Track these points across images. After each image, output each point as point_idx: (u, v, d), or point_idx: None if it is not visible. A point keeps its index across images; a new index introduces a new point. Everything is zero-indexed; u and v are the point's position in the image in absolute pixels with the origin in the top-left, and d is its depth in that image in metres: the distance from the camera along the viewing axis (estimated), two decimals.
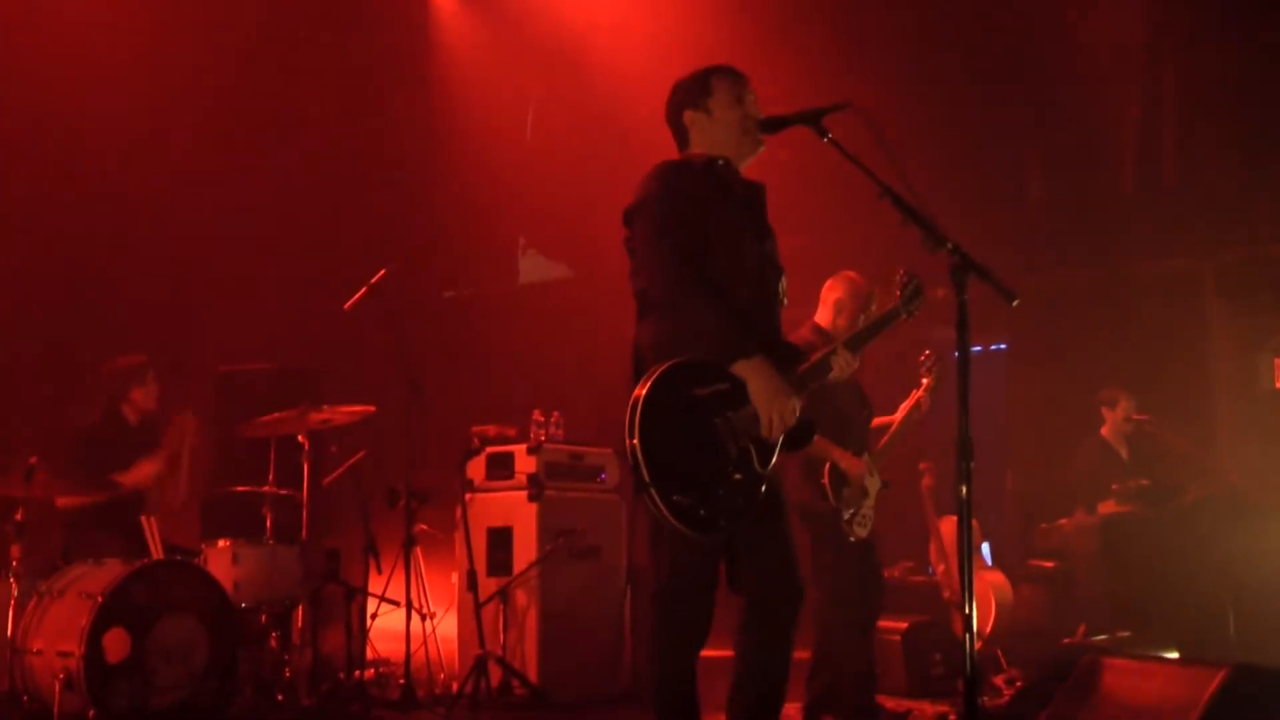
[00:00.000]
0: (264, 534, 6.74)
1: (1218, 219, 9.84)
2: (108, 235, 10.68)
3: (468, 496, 7.28)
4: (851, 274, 6.17)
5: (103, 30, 9.95)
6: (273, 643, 6.54)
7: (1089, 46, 9.99)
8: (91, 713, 5.49)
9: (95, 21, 9.93)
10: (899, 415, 6.32)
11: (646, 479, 3.67)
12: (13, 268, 10.11)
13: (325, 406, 6.88)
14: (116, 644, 5.63)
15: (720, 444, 3.81)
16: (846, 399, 5.97)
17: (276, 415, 6.82)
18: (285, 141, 11.06)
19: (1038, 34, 10.12)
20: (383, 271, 7.08)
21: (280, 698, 6.42)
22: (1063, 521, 8.62)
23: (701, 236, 3.97)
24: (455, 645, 7.38)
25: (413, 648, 6.85)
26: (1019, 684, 7.11)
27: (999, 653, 7.74)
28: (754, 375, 3.87)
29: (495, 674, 6.74)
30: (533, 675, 6.86)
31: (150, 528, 6.50)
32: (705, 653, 4.03)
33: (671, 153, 4.29)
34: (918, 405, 6.30)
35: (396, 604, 7.10)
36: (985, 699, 6.80)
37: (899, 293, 4.62)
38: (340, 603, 7.15)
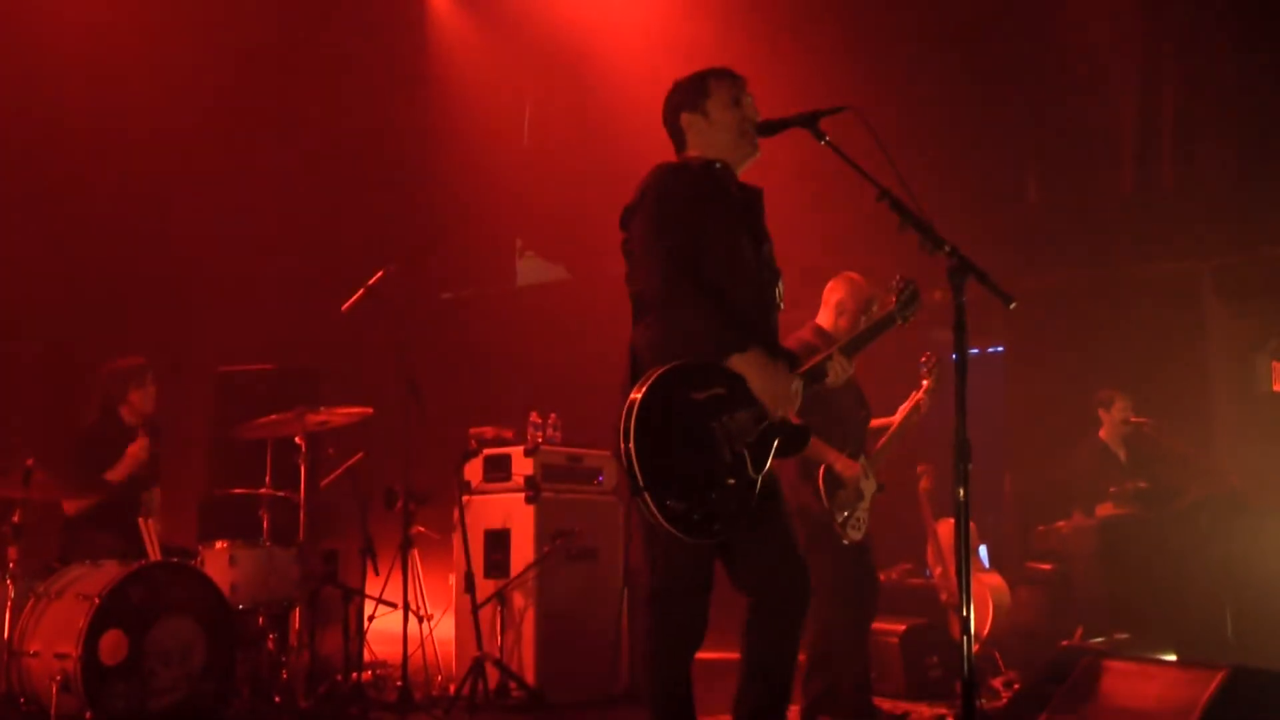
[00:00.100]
0: (261, 536, 6.73)
1: (1215, 220, 9.84)
2: (106, 235, 10.68)
3: (465, 498, 7.28)
4: (853, 275, 6.16)
5: (101, 31, 9.96)
6: (270, 644, 6.53)
7: (1087, 47, 9.99)
8: (88, 714, 5.48)
9: (94, 22, 9.94)
10: (898, 417, 6.31)
11: (641, 483, 3.68)
12: (11, 268, 10.10)
13: (323, 408, 6.88)
14: (114, 646, 5.62)
15: (715, 448, 3.81)
16: (844, 401, 5.96)
17: (274, 417, 6.81)
18: (284, 142, 11.06)
19: (1036, 35, 10.12)
20: (381, 273, 7.08)
21: (277, 699, 6.42)
22: (1060, 524, 8.62)
23: (698, 239, 3.97)
24: (453, 647, 7.37)
25: (410, 649, 6.84)
26: (1017, 686, 7.10)
27: (997, 655, 7.74)
28: (751, 366, 3.89)
29: (493, 676, 6.74)
30: (530, 677, 6.86)
31: (148, 529, 6.50)
32: (701, 655, 4.03)
33: (669, 155, 4.29)
34: (917, 407, 6.30)
35: (394, 606, 7.09)
36: (983, 701, 6.79)
37: (895, 298, 4.63)
38: (338, 604, 7.15)
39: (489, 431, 7.47)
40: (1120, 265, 10.38)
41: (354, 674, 6.90)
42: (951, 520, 8.00)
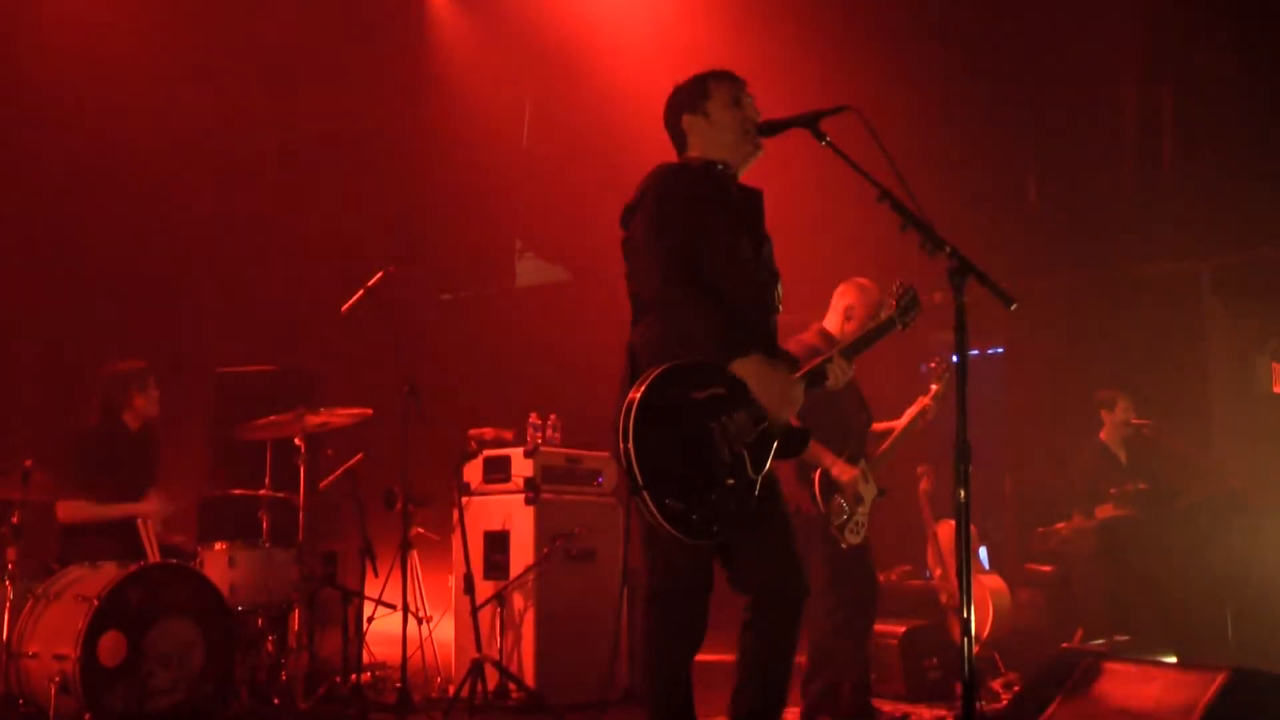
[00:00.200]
0: (260, 537, 6.73)
1: (1215, 221, 9.84)
2: (106, 236, 10.68)
3: (464, 500, 7.26)
4: (863, 280, 6.15)
5: (101, 31, 9.95)
6: (269, 646, 6.53)
7: (1087, 48, 9.99)
8: (87, 716, 5.48)
9: (93, 22, 9.94)
10: (902, 421, 6.30)
11: (640, 483, 3.67)
12: (10, 269, 10.10)
13: (322, 409, 6.88)
14: (112, 647, 5.62)
15: (715, 448, 3.81)
16: (845, 404, 5.96)
17: (273, 418, 6.81)
18: (283, 143, 11.06)
19: (1036, 36, 10.12)
20: (380, 274, 7.07)
21: (276, 701, 6.41)
22: (1060, 525, 8.61)
23: (698, 240, 3.97)
24: (452, 649, 7.37)
25: (409, 651, 6.83)
26: (1017, 688, 7.09)
27: (996, 657, 7.73)
28: (752, 371, 3.88)
29: (492, 677, 6.72)
30: (529, 679, 6.85)
31: (146, 531, 6.49)
32: (701, 657, 4.02)
33: (669, 155, 4.29)
34: (923, 412, 6.28)
35: (393, 607, 7.08)
36: (983, 703, 6.78)
37: (895, 303, 4.63)
38: (337, 606, 7.15)
39: (488, 433, 7.46)
40: (1120, 266, 10.38)
41: (353, 675, 6.90)
42: (951, 522, 7.99)
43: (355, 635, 7.12)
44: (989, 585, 8.15)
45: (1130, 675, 4.82)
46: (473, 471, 7.40)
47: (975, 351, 11.11)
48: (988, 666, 7.62)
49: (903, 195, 3.71)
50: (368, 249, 10.26)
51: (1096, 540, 8.22)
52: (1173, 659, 5.81)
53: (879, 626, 6.62)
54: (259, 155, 10.98)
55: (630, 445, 3.67)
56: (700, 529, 3.75)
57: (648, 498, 3.66)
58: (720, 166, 4.18)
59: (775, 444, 3.94)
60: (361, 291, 7.05)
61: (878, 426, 6.33)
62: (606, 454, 7.32)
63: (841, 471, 5.84)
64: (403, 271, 7.25)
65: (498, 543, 7.21)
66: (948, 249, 3.61)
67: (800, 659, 5.29)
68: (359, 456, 7.58)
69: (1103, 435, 8.71)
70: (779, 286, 4.22)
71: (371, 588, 7.36)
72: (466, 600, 6.86)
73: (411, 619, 6.95)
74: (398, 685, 6.73)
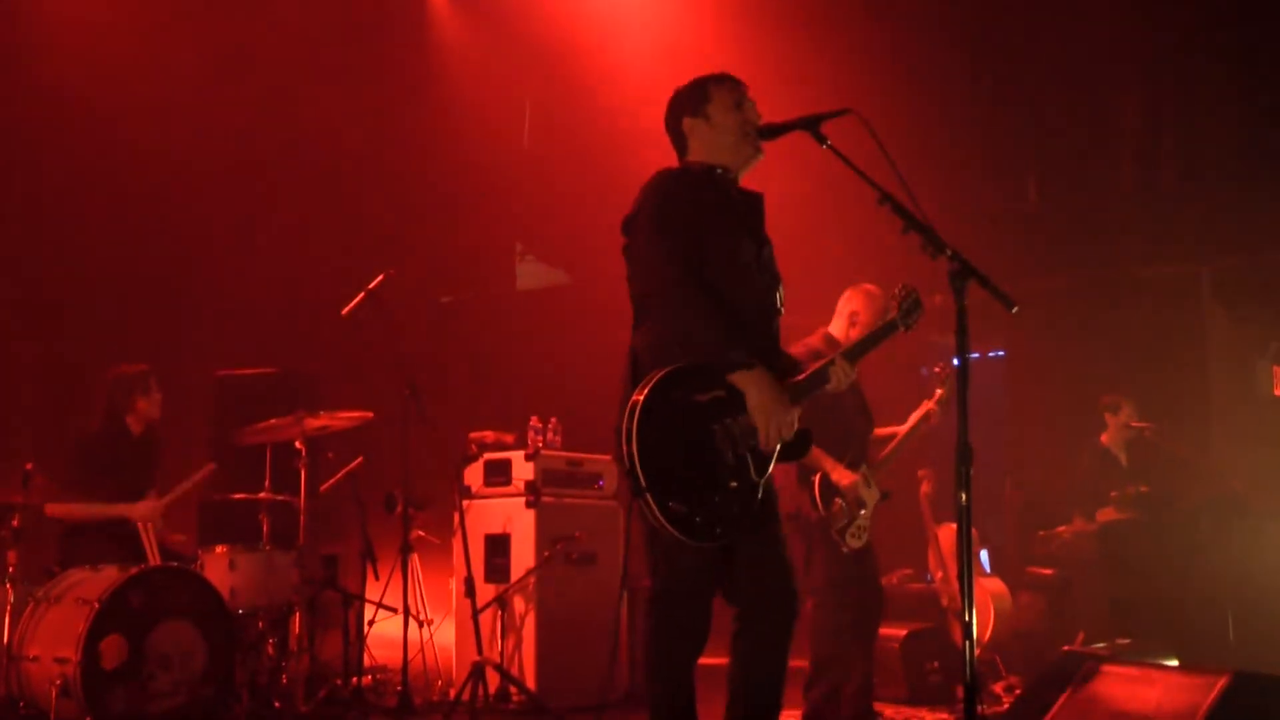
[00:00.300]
0: (261, 540, 6.73)
1: (1215, 224, 9.84)
2: (106, 238, 10.67)
3: (465, 503, 7.27)
4: (870, 287, 6.14)
5: (101, 32, 9.95)
6: (270, 649, 6.53)
7: (1087, 50, 9.99)
8: (88, 719, 5.47)
9: (93, 23, 9.93)
10: (906, 426, 6.29)
11: (643, 485, 3.66)
12: (11, 270, 10.10)
13: (323, 412, 6.88)
14: (113, 650, 5.62)
15: (717, 451, 3.80)
16: (846, 409, 5.95)
17: (274, 421, 6.81)
18: (283, 145, 11.05)
19: (1037, 38, 10.12)
20: (381, 276, 7.07)
21: (277, 704, 6.42)
22: (1061, 529, 8.61)
23: (699, 244, 3.97)
24: (452, 652, 7.37)
25: (410, 654, 6.83)
26: (1018, 691, 7.09)
27: (998, 660, 7.73)
28: (752, 386, 3.87)
29: (493, 681, 6.72)
30: (530, 682, 6.85)
31: (147, 533, 6.49)
32: (703, 660, 4.01)
33: (670, 159, 4.28)
34: (927, 417, 6.27)
35: (394, 610, 7.08)
36: (984, 706, 6.78)
37: (897, 305, 4.63)
38: (337, 609, 7.15)
39: (489, 436, 7.46)
40: (1121, 269, 10.38)
41: (354, 679, 6.90)
42: (952, 525, 7.99)
43: (356, 638, 7.12)
44: (990, 588, 8.14)
45: (1132, 678, 4.81)
46: (473, 475, 7.41)
47: (976, 354, 11.11)
48: (989, 670, 7.62)
49: (904, 198, 3.71)
50: (368, 251, 10.24)
51: (1098, 543, 8.21)
52: (1174, 662, 5.80)
53: (880, 630, 6.61)
54: (259, 157, 10.96)
55: (633, 448, 3.67)
56: (703, 531, 3.75)
57: (651, 500, 3.66)
58: (721, 170, 4.17)
59: (777, 447, 3.93)
60: (362, 294, 7.05)
61: (881, 431, 6.32)
62: (607, 457, 7.32)
63: (841, 476, 5.84)
64: (403, 274, 7.25)
65: (499, 546, 7.21)
66: (949, 251, 3.61)
67: (801, 664, 5.30)
68: (359, 460, 7.58)
69: (1104, 438, 8.70)
70: (781, 289, 4.21)
71: (372, 591, 7.36)
72: (467, 603, 6.85)
73: (412, 622, 6.96)
74: (398, 688, 6.74)
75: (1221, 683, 4.40)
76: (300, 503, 6.84)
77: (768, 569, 4.01)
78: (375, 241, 11.11)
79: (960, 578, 3.42)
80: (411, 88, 11.63)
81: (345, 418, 6.92)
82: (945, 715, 6.82)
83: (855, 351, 4.34)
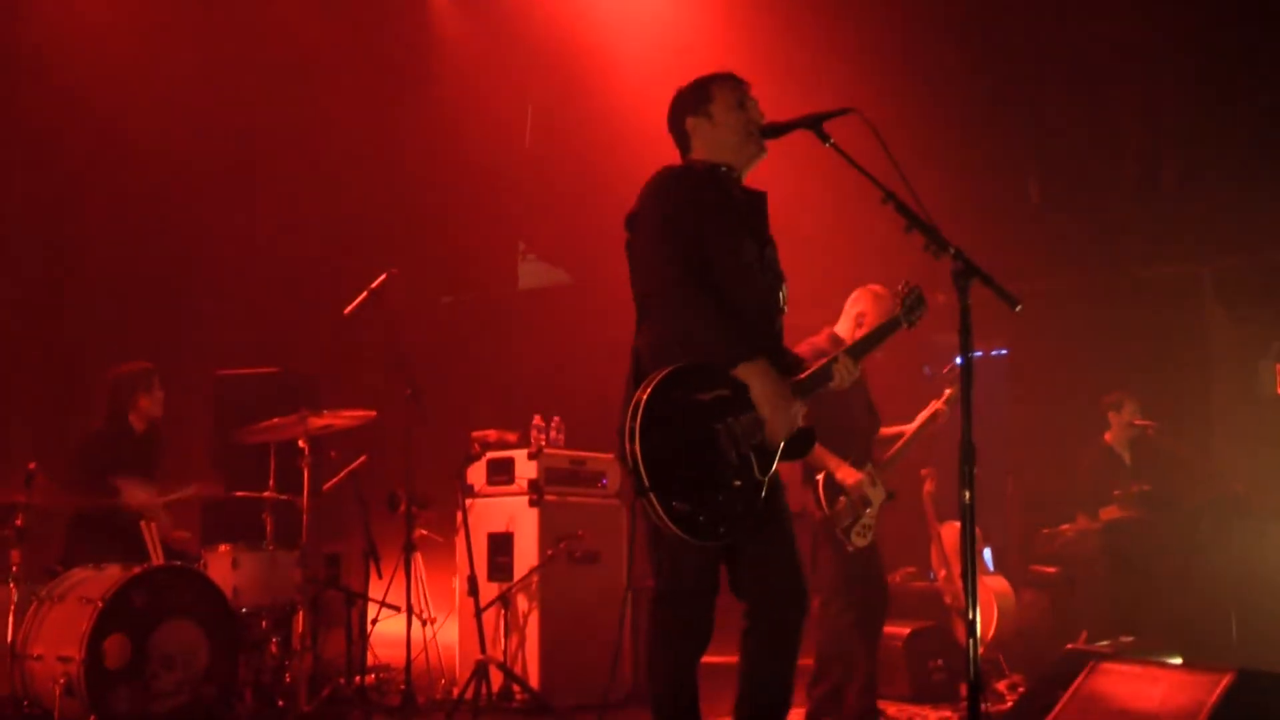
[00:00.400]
0: (264, 539, 6.73)
1: (1217, 224, 9.83)
2: (108, 238, 10.69)
3: (468, 502, 7.27)
4: (878, 288, 6.14)
5: (102, 32, 9.96)
6: (273, 648, 6.53)
7: (1088, 49, 9.98)
8: (92, 718, 5.48)
9: (95, 23, 9.94)
10: (914, 425, 6.29)
11: (646, 484, 3.66)
12: (13, 271, 10.11)
13: (325, 411, 6.87)
14: (117, 649, 5.62)
15: (721, 450, 3.80)
16: (852, 407, 5.95)
17: (276, 420, 6.81)
18: (285, 146, 11.06)
19: (1039, 37, 10.11)
20: (383, 276, 7.07)
21: (280, 703, 6.42)
22: (1065, 527, 8.61)
23: (702, 243, 3.97)
24: (456, 650, 7.37)
25: (413, 653, 6.83)
26: (1021, 689, 7.10)
27: (1001, 658, 7.73)
28: (756, 378, 3.87)
29: (496, 679, 6.73)
30: (533, 681, 6.85)
31: (150, 532, 6.49)
32: (706, 658, 4.01)
33: (672, 158, 4.28)
34: (935, 416, 6.27)
35: (397, 609, 7.08)
36: (987, 705, 6.78)
37: (900, 302, 4.63)
38: (341, 608, 7.14)
39: (492, 435, 7.46)
40: (1123, 268, 10.38)
41: (357, 677, 6.90)
42: (955, 523, 7.99)
43: (359, 637, 7.12)
44: (993, 587, 8.15)
45: (1135, 677, 4.81)
46: (476, 473, 7.41)
47: (979, 353, 11.10)
48: (992, 668, 7.63)
49: (907, 197, 3.71)
50: (370, 251, 10.25)
51: (1101, 542, 8.21)
52: (1178, 660, 5.80)
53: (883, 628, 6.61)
54: (261, 156, 10.98)
55: (636, 447, 3.67)
56: (707, 530, 3.75)
57: (654, 499, 3.66)
58: (724, 169, 4.17)
59: (781, 445, 3.93)
60: (365, 294, 7.05)
61: (888, 430, 6.32)
62: (610, 456, 7.33)
63: (846, 475, 5.84)
64: (405, 273, 7.25)
65: (502, 544, 7.21)
66: (952, 250, 3.61)
67: (806, 661, 5.30)
68: (362, 458, 7.58)
69: (1108, 437, 8.70)
70: (784, 288, 4.21)
71: (375, 590, 7.36)
72: (470, 602, 6.86)
73: (415, 621, 6.96)
74: (402, 687, 6.74)
75: (1225, 681, 4.40)
76: (303, 502, 6.83)
77: (775, 566, 4.01)
78: (377, 241, 11.13)
79: (964, 576, 3.42)
80: (413, 88, 11.64)
81: (348, 417, 6.92)
82: (948, 713, 6.82)
83: (858, 349, 4.34)
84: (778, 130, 4.09)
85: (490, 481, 7.35)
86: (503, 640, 6.96)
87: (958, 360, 3.60)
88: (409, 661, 6.78)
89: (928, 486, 8.01)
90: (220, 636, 5.97)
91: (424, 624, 7.39)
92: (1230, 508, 8.02)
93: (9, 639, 5.85)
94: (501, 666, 6.77)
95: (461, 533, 7.10)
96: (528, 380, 11.21)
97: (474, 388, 11.41)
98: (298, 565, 6.66)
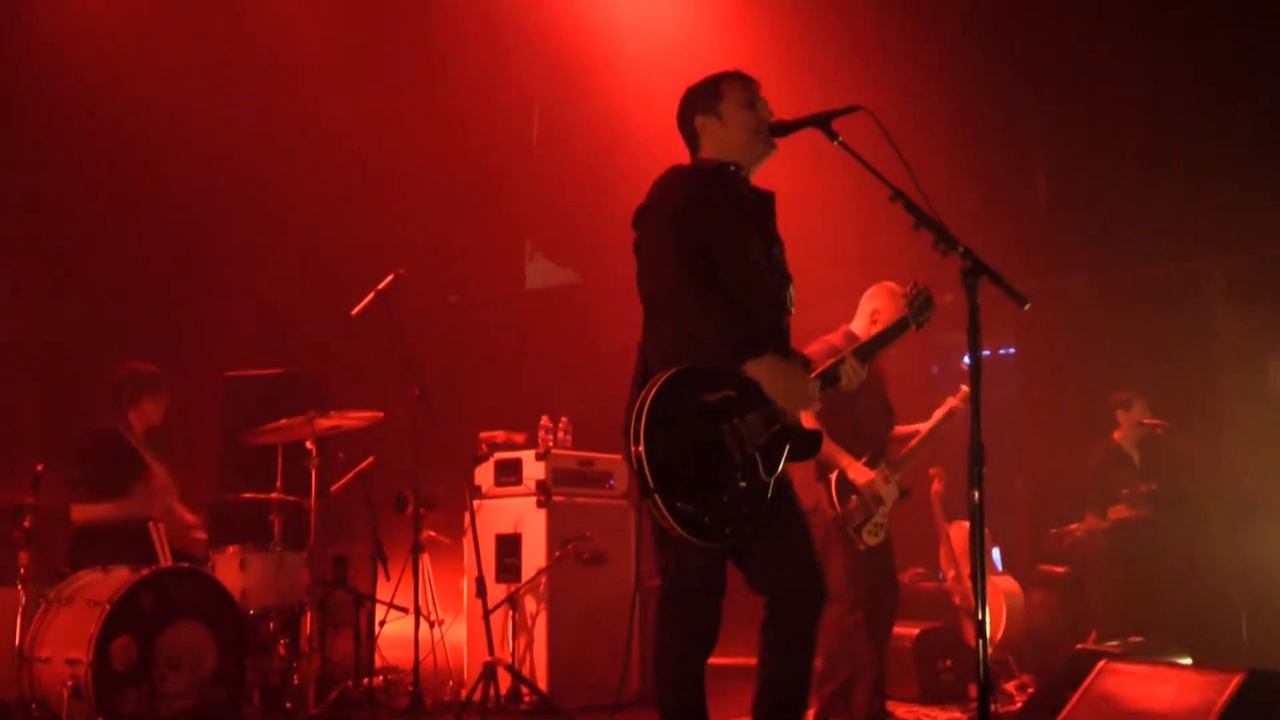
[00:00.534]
0: (272, 540, 6.73)
1: (1224, 221, 9.80)
2: (114, 238, 10.69)
3: (476, 503, 7.27)
4: (893, 285, 6.13)
5: (106, 32, 9.96)
6: (281, 649, 6.52)
7: (1096, 48, 9.96)
8: None
9: (97, 23, 9.94)
10: (930, 423, 6.27)
11: (651, 485, 3.66)
12: (18, 272, 10.11)
13: (333, 412, 6.87)
14: (124, 651, 5.62)
15: (726, 450, 3.80)
16: (866, 406, 5.94)
17: (284, 421, 6.81)
18: (292, 146, 11.06)
19: (1045, 36, 10.09)
20: (391, 276, 7.07)
21: (288, 705, 6.42)
22: (1073, 526, 8.60)
23: (709, 242, 3.96)
24: (464, 652, 7.36)
25: (421, 655, 6.83)
26: (1031, 690, 7.08)
27: (1010, 658, 7.71)
28: (766, 371, 3.87)
29: (504, 681, 6.73)
30: (542, 682, 6.84)
31: (158, 534, 6.49)
32: (715, 660, 4.01)
33: (680, 157, 4.27)
34: (951, 414, 6.25)
35: (405, 611, 7.08)
36: (997, 705, 6.76)
37: (908, 303, 4.62)
38: (348, 609, 7.14)
39: (499, 436, 7.46)
40: (1131, 266, 10.35)
41: (365, 679, 6.90)
42: (964, 523, 7.98)
43: (367, 639, 7.12)
44: (1002, 587, 8.12)
45: (1145, 677, 4.80)
46: (484, 474, 7.41)
47: (987, 352, 11.08)
48: (1001, 668, 7.60)
49: (915, 195, 3.70)
50: (378, 251, 10.24)
51: (1110, 541, 8.20)
52: (1188, 660, 5.79)
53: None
54: (268, 157, 10.97)
55: (641, 448, 3.67)
56: (712, 531, 3.74)
57: (659, 500, 3.65)
58: (733, 168, 4.17)
59: (788, 447, 3.92)
60: (372, 294, 7.05)
61: (903, 429, 6.30)
62: (618, 456, 7.32)
63: (858, 474, 5.83)
64: (413, 274, 7.24)
65: (510, 546, 7.21)
66: (961, 249, 3.60)
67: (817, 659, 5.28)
68: (370, 460, 7.58)
69: (1117, 436, 8.68)
70: (791, 288, 4.20)
71: (383, 591, 7.35)
72: (478, 603, 6.85)
73: (423, 622, 6.95)
74: (410, 689, 6.73)
75: (1235, 681, 4.39)
76: (311, 503, 6.83)
77: (790, 561, 4.00)
78: (385, 241, 11.11)
79: (973, 576, 3.41)
80: (420, 88, 11.63)
81: (356, 418, 6.92)
82: (958, 714, 6.81)
83: (866, 350, 4.33)
84: (786, 128, 4.09)
85: (498, 482, 7.35)
86: (511, 642, 6.95)
87: (966, 359, 3.59)
88: (417, 663, 6.77)
89: (936, 486, 8.00)
90: (228, 638, 5.97)
91: (432, 625, 7.38)
92: (1239, 506, 8.00)
93: (17, 641, 5.84)
94: (510, 668, 6.77)
95: (469, 534, 7.10)
96: (535, 381, 11.20)
97: (482, 388, 11.39)
98: (305, 567, 6.66)
